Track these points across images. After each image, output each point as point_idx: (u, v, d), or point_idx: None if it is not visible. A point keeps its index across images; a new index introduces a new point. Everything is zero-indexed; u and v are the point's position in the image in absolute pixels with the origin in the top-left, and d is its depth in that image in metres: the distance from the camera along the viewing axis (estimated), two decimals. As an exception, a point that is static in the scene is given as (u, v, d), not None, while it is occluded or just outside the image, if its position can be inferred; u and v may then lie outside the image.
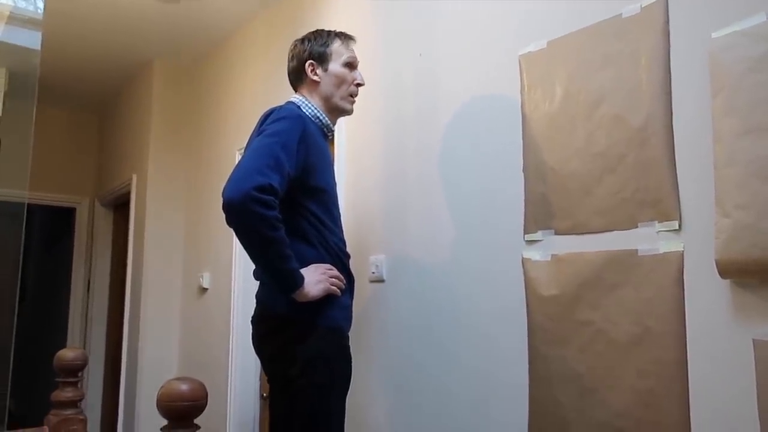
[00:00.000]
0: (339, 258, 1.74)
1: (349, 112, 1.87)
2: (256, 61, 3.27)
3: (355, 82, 1.85)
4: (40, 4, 2.25)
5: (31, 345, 5.53)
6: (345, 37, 1.86)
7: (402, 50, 2.24)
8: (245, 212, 1.43)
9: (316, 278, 1.58)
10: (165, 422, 1.19)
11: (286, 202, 1.57)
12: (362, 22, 2.47)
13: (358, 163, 2.38)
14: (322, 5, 2.74)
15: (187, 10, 3.29)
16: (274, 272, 1.55)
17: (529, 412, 1.63)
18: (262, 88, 3.18)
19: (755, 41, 1.25)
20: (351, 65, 1.85)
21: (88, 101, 4.71)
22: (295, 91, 1.86)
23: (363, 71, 2.44)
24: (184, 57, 3.89)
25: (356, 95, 1.87)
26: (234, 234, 1.54)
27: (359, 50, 2.47)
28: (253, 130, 1.74)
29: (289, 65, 1.86)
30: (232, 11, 3.30)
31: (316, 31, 1.87)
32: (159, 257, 3.82)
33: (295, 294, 1.55)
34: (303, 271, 1.57)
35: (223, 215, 1.48)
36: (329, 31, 1.86)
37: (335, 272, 1.66)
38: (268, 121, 1.65)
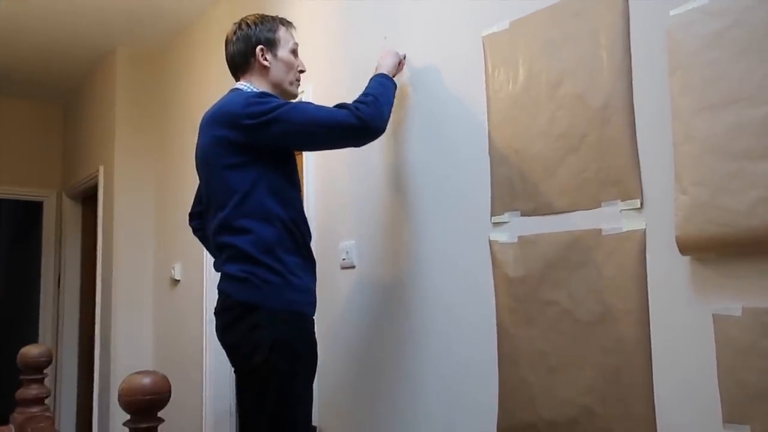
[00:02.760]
0: (303, 237, 1.74)
1: (296, 96, 1.90)
2: (220, 47, 3.15)
3: (299, 68, 1.86)
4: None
5: (2, 342, 5.44)
6: (288, 24, 1.87)
7: (367, 34, 2.21)
8: (380, 125, 1.74)
9: (392, 66, 1.91)
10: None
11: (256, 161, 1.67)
12: (327, 6, 2.43)
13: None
14: (286, -11, 2.69)
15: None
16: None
17: (499, 392, 1.64)
18: (226, 75, 3.10)
19: (711, 18, 1.26)
20: (295, 52, 1.86)
21: (53, 91, 4.59)
22: (237, 77, 1.84)
23: (328, 56, 2.43)
24: (147, 44, 3.81)
25: (299, 81, 1.89)
26: None
27: (325, 34, 2.44)
28: (207, 136, 1.73)
29: (232, 47, 1.83)
30: (194, -4, 3.23)
31: (260, 15, 1.84)
32: (129, 249, 3.76)
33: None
34: (383, 72, 1.87)
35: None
36: (273, 17, 1.85)
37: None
38: (250, 112, 1.63)
